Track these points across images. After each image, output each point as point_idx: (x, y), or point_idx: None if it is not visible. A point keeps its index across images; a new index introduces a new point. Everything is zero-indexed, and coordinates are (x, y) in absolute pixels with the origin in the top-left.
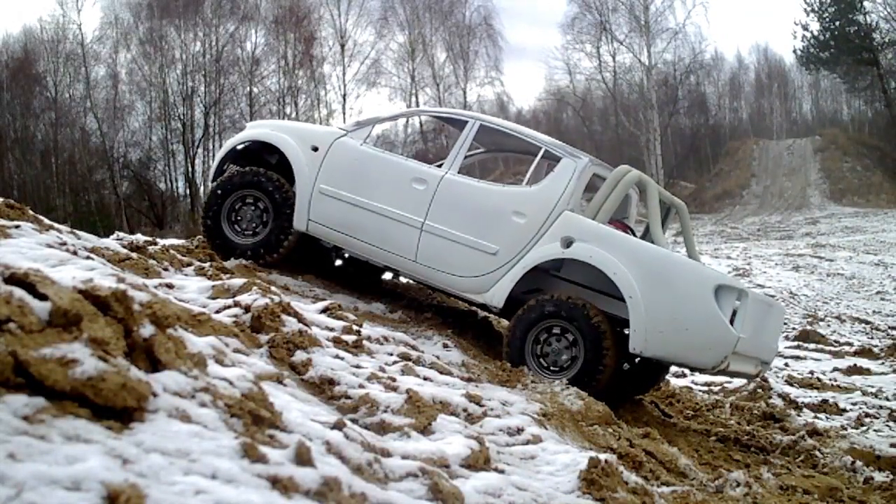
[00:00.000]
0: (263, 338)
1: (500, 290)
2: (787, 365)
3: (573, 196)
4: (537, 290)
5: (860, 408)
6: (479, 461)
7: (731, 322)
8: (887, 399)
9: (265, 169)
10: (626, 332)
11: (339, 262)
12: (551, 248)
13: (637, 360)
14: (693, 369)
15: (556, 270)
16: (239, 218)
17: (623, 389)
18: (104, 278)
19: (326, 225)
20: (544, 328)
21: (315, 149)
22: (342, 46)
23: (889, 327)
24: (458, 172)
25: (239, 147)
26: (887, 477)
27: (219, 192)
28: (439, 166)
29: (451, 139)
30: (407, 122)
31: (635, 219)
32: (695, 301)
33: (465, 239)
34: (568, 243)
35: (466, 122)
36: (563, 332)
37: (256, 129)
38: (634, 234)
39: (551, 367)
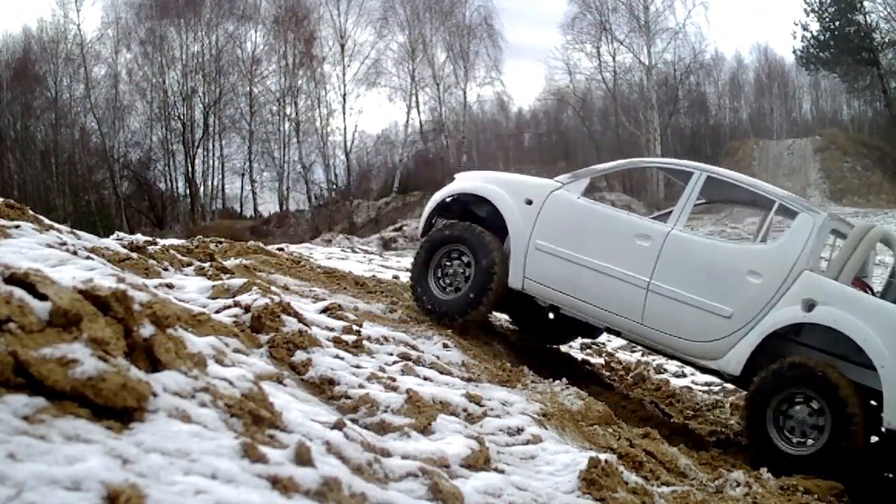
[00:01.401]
0: (263, 338)
1: (736, 356)
2: None
3: (813, 254)
4: (774, 354)
5: None
6: (479, 461)
7: None
8: None
9: (474, 223)
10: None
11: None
12: (792, 312)
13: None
14: None
15: (795, 335)
16: (445, 273)
17: (876, 466)
18: (104, 278)
19: (543, 283)
20: (786, 397)
21: (529, 202)
22: (342, 46)
23: None
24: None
25: (448, 199)
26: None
27: (426, 246)
28: (659, 218)
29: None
30: (407, 122)
31: (872, 275)
32: None
33: (695, 300)
34: (810, 306)
35: (692, 173)
36: (806, 402)
37: (467, 182)
38: (873, 293)
39: (795, 439)
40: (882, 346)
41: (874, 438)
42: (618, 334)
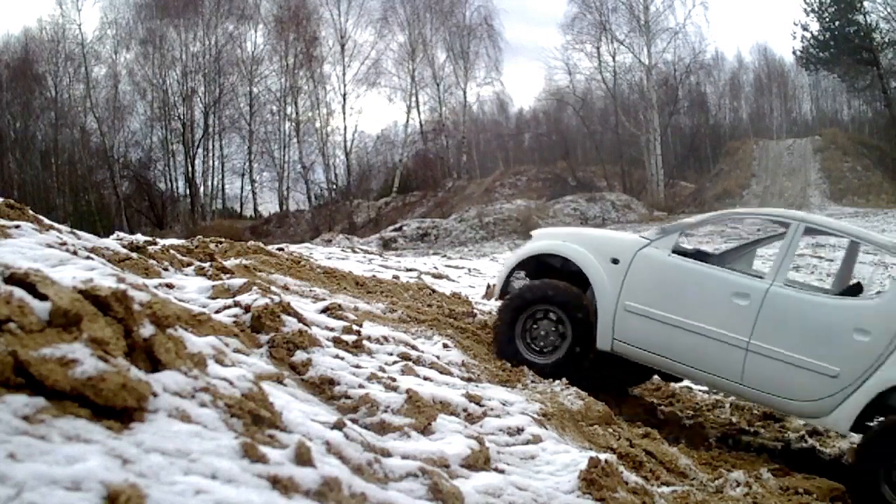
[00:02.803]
0: (263, 338)
1: (843, 415)
2: None
3: None
4: (889, 407)
5: None
6: (479, 461)
7: None
8: None
9: (563, 282)
10: None
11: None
12: None
13: None
14: None
15: None
16: (534, 335)
17: None
18: (104, 278)
19: (634, 345)
20: None
21: (615, 261)
22: (342, 46)
23: None
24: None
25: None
26: None
27: (510, 308)
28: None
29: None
30: (407, 122)
31: None
32: None
33: (798, 360)
34: None
35: (789, 224)
36: None
37: (545, 241)
38: None
39: None
40: None
41: None
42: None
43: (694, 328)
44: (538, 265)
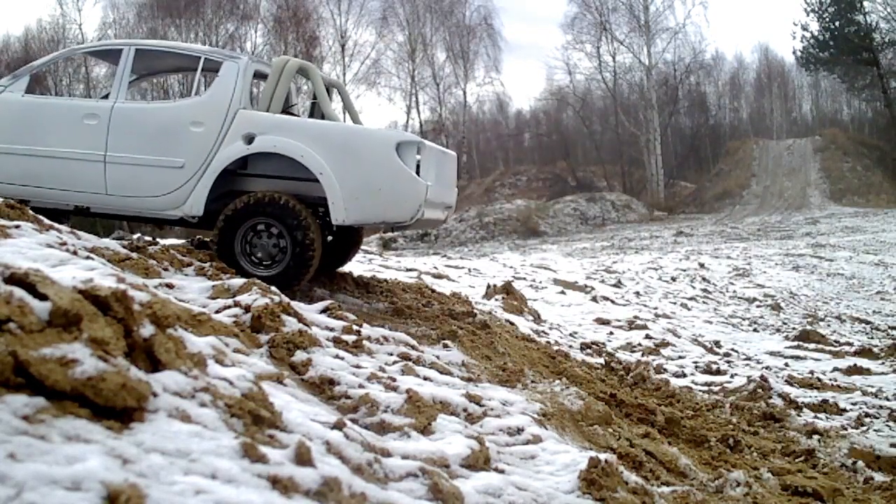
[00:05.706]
0: (263, 338)
1: (195, 199)
2: (787, 365)
3: (243, 94)
4: (234, 191)
5: (860, 408)
6: (479, 461)
7: (417, 173)
8: (887, 399)
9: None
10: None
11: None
12: (235, 148)
13: (335, 230)
14: (394, 226)
15: (245, 168)
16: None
17: (326, 264)
18: (104, 278)
19: (7, 182)
20: (250, 227)
21: None
22: (342, 46)
23: (889, 327)
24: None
25: None
26: (887, 477)
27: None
28: (106, 98)
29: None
30: (407, 122)
31: (298, 103)
32: (381, 162)
33: (149, 160)
34: (250, 139)
35: (122, 49)
36: (268, 229)
37: None
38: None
39: (263, 263)
40: (318, 157)
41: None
42: (87, 211)
43: (57, 154)
44: None
